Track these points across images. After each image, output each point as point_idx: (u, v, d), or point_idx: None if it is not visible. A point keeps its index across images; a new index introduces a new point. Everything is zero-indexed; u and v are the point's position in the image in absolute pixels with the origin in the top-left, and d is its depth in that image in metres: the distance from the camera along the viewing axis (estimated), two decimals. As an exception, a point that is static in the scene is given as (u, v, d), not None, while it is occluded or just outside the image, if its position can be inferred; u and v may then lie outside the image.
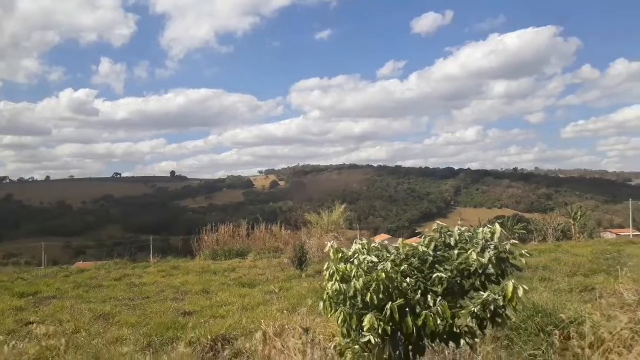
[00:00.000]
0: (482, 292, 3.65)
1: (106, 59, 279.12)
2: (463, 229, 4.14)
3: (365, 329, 3.67)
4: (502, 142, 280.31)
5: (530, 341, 5.18)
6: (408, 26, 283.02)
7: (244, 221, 22.65)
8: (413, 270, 3.93)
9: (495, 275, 3.78)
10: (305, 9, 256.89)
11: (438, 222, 4.18)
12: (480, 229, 4.04)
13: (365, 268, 3.91)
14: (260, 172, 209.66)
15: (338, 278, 3.96)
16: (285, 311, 8.10)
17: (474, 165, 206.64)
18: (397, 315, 3.60)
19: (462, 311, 3.64)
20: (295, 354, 5.02)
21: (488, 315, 3.61)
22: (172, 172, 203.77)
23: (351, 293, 3.84)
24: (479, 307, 3.56)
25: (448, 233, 4.11)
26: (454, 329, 3.72)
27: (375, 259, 3.99)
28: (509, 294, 3.56)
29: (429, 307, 3.68)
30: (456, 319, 3.69)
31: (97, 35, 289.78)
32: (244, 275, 13.77)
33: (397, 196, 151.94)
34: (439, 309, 3.60)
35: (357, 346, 3.95)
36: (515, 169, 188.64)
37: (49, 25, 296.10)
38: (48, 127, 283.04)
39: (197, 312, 9.14)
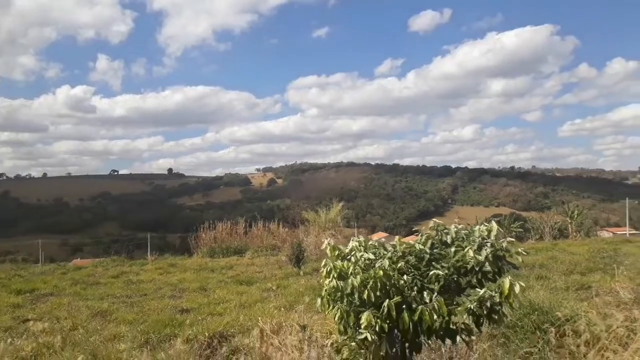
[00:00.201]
0: (478, 289, 3.67)
1: (103, 56, 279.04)
2: (460, 226, 4.16)
3: (362, 326, 3.69)
4: (500, 140, 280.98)
5: (526, 339, 5.21)
6: (406, 24, 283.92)
7: (241, 219, 22.65)
8: (410, 268, 3.95)
9: (492, 273, 3.80)
10: (303, 6, 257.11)
11: (435, 220, 4.20)
12: (477, 227, 4.06)
13: (363, 265, 3.93)
14: (258, 169, 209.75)
15: (335, 275, 3.97)
16: (282, 309, 8.12)
17: (471, 164, 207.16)
18: (394, 313, 3.61)
19: (459, 308, 3.66)
20: (292, 352, 5.03)
21: (484, 312, 3.63)
22: (170, 170, 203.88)
23: (348, 290, 3.85)
24: (475, 303, 3.58)
25: (445, 231, 4.13)
26: (451, 326, 3.74)
27: (372, 257, 4.00)
28: (506, 291, 3.58)
29: (426, 303, 3.70)
30: (452, 316, 3.71)
31: (95, 32, 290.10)
32: (242, 272, 13.78)
33: (394, 194, 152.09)
34: (435, 304, 3.62)
35: (354, 343, 3.96)
36: (512, 167, 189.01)
37: (46, 21, 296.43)
38: (45, 124, 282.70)
39: (194, 309, 9.15)
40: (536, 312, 5.52)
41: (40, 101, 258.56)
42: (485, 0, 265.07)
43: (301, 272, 12.95)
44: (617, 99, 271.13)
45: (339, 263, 4.05)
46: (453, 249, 3.95)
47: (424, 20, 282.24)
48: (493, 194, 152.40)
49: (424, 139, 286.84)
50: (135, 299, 10.63)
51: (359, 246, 4.17)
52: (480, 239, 3.92)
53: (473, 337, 4.13)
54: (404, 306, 3.72)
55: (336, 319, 3.94)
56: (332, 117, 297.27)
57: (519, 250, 3.98)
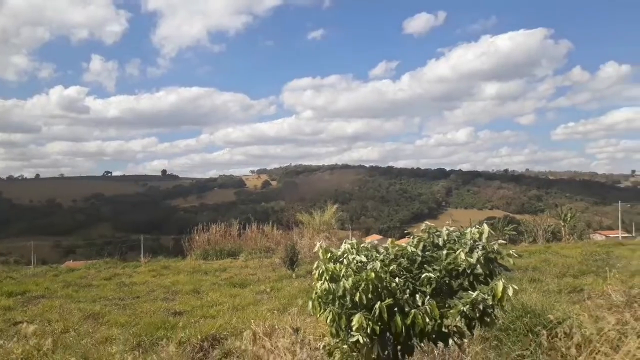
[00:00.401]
0: (471, 292, 3.67)
1: (97, 57, 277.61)
2: (451, 229, 4.16)
3: (354, 328, 3.68)
4: (493, 143, 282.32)
5: (519, 341, 5.21)
6: (401, 27, 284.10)
7: (235, 221, 22.60)
8: (402, 271, 3.95)
9: (483, 276, 3.80)
10: (298, 8, 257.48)
11: (427, 222, 4.20)
12: (469, 229, 4.06)
13: (355, 268, 3.92)
14: (252, 171, 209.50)
15: (327, 278, 3.97)
16: (275, 311, 8.11)
17: (465, 167, 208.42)
18: (385, 315, 3.61)
19: (451, 311, 3.66)
20: (284, 354, 5.01)
21: (477, 315, 3.63)
22: (164, 171, 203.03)
23: (340, 293, 3.85)
24: (468, 306, 3.58)
25: (436, 233, 4.13)
26: (443, 329, 3.74)
27: (364, 259, 4.00)
28: (499, 294, 3.58)
29: (418, 306, 3.70)
30: (445, 318, 3.71)
31: (88, 32, 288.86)
32: (235, 275, 13.74)
33: (389, 197, 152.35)
34: (428, 308, 3.62)
35: (345, 346, 3.96)
36: (506, 170, 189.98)
37: (40, 21, 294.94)
38: (38, 125, 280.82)
39: (187, 312, 9.11)
40: (529, 315, 5.53)
41: (33, 101, 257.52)
42: (479, 3, 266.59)
43: (294, 275, 12.93)
44: (610, 102, 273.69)
45: (331, 265, 4.04)
46: (445, 252, 3.95)
47: (419, 23, 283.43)
48: (487, 197, 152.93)
49: (418, 142, 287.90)
50: (127, 301, 10.57)
51: (351, 249, 4.17)
52: (471, 241, 3.92)
53: (465, 340, 4.13)
54: (395, 309, 3.72)
55: (328, 321, 3.93)
56: (327, 119, 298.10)
57: (511, 252, 3.98)
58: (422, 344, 4.02)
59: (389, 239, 4.21)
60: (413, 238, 4.21)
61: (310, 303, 4.09)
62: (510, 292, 3.62)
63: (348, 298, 3.83)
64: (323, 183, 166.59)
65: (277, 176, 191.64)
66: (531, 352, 4.94)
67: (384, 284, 3.76)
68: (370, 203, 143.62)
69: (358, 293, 3.72)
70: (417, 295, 3.77)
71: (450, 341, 3.87)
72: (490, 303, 3.62)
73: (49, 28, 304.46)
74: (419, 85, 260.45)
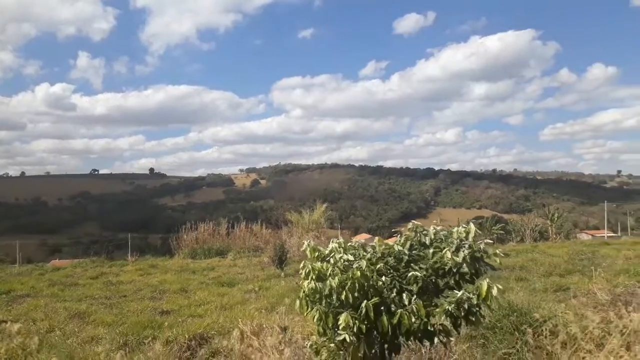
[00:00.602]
0: (456, 291, 3.69)
1: (84, 54, 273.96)
2: (438, 228, 4.18)
3: (340, 327, 3.68)
4: (482, 143, 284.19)
5: (505, 340, 5.25)
6: (390, 27, 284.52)
7: (224, 220, 22.55)
8: (389, 269, 3.96)
9: (469, 274, 3.82)
10: (289, 7, 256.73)
11: (414, 221, 4.21)
12: (455, 228, 4.08)
13: (342, 267, 3.92)
14: (241, 170, 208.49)
15: (314, 277, 3.97)
16: (264, 310, 8.10)
17: (454, 166, 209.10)
18: (372, 314, 3.62)
19: (437, 310, 3.67)
20: (272, 353, 5.01)
21: (462, 313, 3.65)
22: (151, 170, 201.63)
23: (327, 292, 3.85)
24: (453, 305, 3.60)
25: (423, 232, 4.15)
26: (429, 328, 3.75)
27: (351, 258, 4.01)
28: (484, 293, 3.61)
29: (404, 305, 3.71)
30: (431, 317, 3.73)
31: (76, 29, 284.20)
32: (224, 274, 13.71)
33: (378, 196, 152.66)
34: (414, 307, 3.63)
35: (332, 345, 3.96)
36: (494, 170, 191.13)
37: (26, 17, 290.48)
38: (23, 122, 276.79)
39: (175, 311, 9.07)
40: (515, 314, 5.57)
41: (19, 98, 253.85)
42: (469, 4, 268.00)
43: (283, 274, 12.92)
44: (597, 103, 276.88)
45: (318, 264, 4.04)
46: (431, 251, 3.97)
47: (409, 23, 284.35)
48: (475, 197, 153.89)
49: (408, 141, 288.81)
50: (114, 300, 10.50)
51: (339, 247, 4.17)
52: (458, 240, 3.94)
53: (451, 339, 4.15)
54: (382, 308, 3.73)
55: (315, 320, 3.93)
56: (316, 118, 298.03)
57: (497, 251, 4.01)
58: (408, 343, 4.03)
59: (376, 238, 4.22)
60: (400, 237, 4.22)
61: (297, 302, 4.09)
62: (494, 291, 3.64)
63: (335, 297, 3.83)
64: (312, 182, 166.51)
65: (266, 175, 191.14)
66: (517, 350, 4.98)
67: (371, 282, 3.77)
68: (360, 202, 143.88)
69: (344, 292, 3.72)
70: (404, 294, 3.79)
71: (436, 339, 3.89)
72: (476, 302, 3.64)
73: (35, 24, 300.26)
74: (408, 85, 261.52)
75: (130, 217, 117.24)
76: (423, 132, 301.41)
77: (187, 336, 6.65)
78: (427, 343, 3.97)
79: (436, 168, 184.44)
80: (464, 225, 4.06)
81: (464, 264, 3.77)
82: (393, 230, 4.90)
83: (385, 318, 3.63)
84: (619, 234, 38.64)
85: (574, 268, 11.66)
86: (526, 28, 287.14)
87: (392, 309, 3.71)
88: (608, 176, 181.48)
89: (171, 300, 10.11)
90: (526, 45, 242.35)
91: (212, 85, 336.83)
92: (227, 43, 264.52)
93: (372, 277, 3.79)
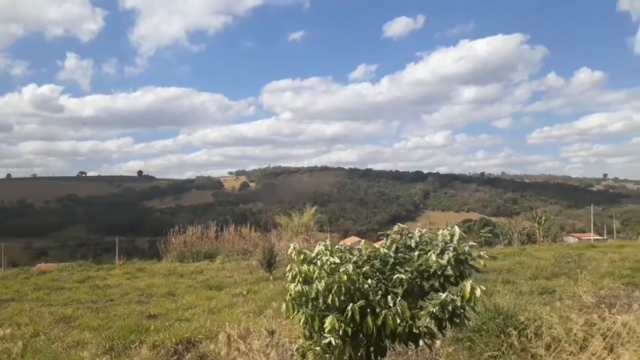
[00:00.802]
0: (441, 293, 3.72)
1: (73, 55, 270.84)
2: (424, 231, 4.21)
3: (326, 330, 3.70)
4: (470, 147, 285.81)
5: (491, 342, 5.29)
6: (380, 30, 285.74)
7: (213, 223, 22.45)
8: (375, 272, 3.98)
9: (454, 277, 3.86)
10: (279, 9, 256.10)
11: (399, 224, 4.24)
12: (440, 231, 4.12)
13: (328, 270, 3.94)
14: (230, 173, 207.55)
15: (300, 280, 3.98)
16: (251, 314, 8.08)
17: (443, 170, 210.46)
18: (358, 317, 3.64)
19: (422, 312, 3.70)
20: (258, 356, 5.00)
21: (447, 315, 3.68)
22: (140, 172, 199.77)
23: (313, 295, 3.86)
24: (437, 307, 3.63)
25: (409, 235, 4.18)
26: (414, 330, 3.78)
27: (338, 261, 4.03)
28: (467, 295, 3.64)
29: (390, 307, 3.73)
30: (416, 319, 3.75)
31: (64, 29, 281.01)
32: (212, 277, 13.65)
33: (367, 199, 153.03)
34: (399, 309, 3.65)
35: (318, 348, 3.97)
36: (482, 173, 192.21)
37: (13, 17, 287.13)
38: (9, 123, 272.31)
39: (162, 315, 9.00)
40: (501, 316, 5.62)
41: (5, 99, 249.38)
42: (458, 7, 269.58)
43: (271, 277, 12.89)
44: (583, 107, 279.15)
45: (304, 267, 4.05)
46: (417, 253, 4.00)
47: (398, 27, 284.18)
48: (463, 200, 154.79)
49: (397, 144, 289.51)
50: (100, 304, 10.39)
51: (325, 250, 4.19)
52: (443, 243, 3.98)
53: (437, 341, 4.18)
54: (368, 310, 3.75)
55: (301, 323, 3.94)
56: (306, 121, 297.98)
57: (481, 254, 4.05)
58: (394, 345, 4.06)
59: (362, 241, 4.24)
60: (386, 240, 4.25)
61: (283, 305, 4.10)
62: (478, 292, 3.68)
63: (321, 300, 3.85)
64: (302, 185, 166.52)
65: (256, 178, 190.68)
66: (503, 353, 5.03)
67: (357, 285, 3.79)
68: (349, 205, 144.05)
69: (331, 295, 3.74)
70: (390, 297, 3.81)
71: (421, 342, 3.92)
72: (459, 304, 3.67)
73: (22, 24, 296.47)
74: (398, 88, 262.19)
75: (118, 220, 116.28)
76: (412, 135, 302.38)
77: (173, 340, 6.63)
78: (412, 345, 4.00)
79: (425, 171, 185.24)
80: (449, 228, 4.10)
81: (449, 267, 3.80)
82: (379, 233, 4.91)
83: (370, 319, 3.65)
84: (605, 236, 39.15)
85: (560, 271, 11.78)
86: (514, 32, 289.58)
87: (378, 311, 3.73)
88: (594, 179, 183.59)
89: (158, 304, 10.04)
90: (514, 49, 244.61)
91: (202, 87, 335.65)
92: (217, 45, 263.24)
93: (359, 280, 3.81)
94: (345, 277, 3.72)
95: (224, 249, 19.90)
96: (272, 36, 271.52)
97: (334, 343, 3.72)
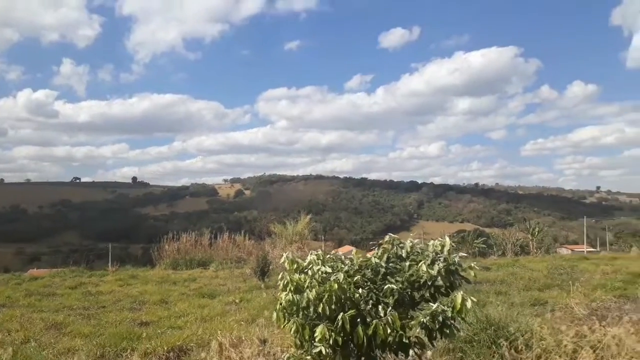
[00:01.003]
0: (431, 304, 3.74)
1: (68, 60, 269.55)
2: (415, 241, 4.24)
3: (317, 339, 3.71)
4: (465, 157, 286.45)
5: (482, 353, 5.31)
6: (376, 41, 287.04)
7: (207, 230, 22.39)
8: (366, 282, 4.01)
9: (444, 287, 3.89)
10: (275, 18, 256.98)
11: (390, 234, 4.27)
12: (431, 241, 4.15)
13: (320, 279, 3.96)
14: (225, 180, 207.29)
15: (292, 289, 4.00)
16: (243, 322, 8.07)
17: (437, 180, 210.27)
18: (348, 326, 3.65)
19: (412, 322, 3.72)
20: (250, 365, 5.00)
21: (437, 326, 3.70)
22: (134, 178, 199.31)
23: (304, 304, 3.88)
24: (428, 318, 3.65)
25: (400, 245, 4.20)
26: (404, 340, 3.80)
27: (329, 270, 4.04)
28: (458, 306, 3.67)
29: (380, 317, 3.75)
30: (407, 329, 3.77)
31: (59, 35, 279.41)
32: (205, 285, 13.60)
33: (362, 208, 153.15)
34: (390, 318, 3.67)
35: (309, 357, 3.98)
36: (476, 184, 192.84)
37: (8, 22, 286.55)
38: (4, 128, 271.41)
39: (154, 322, 8.97)
40: (492, 327, 5.64)
41: (0, 104, 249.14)
42: (453, 20, 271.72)
43: (264, 286, 12.87)
44: (576, 120, 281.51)
45: (295, 276, 4.07)
46: (407, 263, 4.03)
47: (394, 38, 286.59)
48: (457, 210, 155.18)
49: (392, 154, 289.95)
50: (92, 311, 10.34)
51: (317, 259, 4.21)
52: (433, 253, 4.01)
53: (428, 351, 4.20)
54: (358, 320, 3.77)
55: (292, 332, 3.95)
56: (302, 129, 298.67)
57: (472, 265, 4.08)
58: (385, 355, 4.07)
59: (354, 250, 4.27)
60: (378, 249, 4.28)
61: (274, 314, 4.11)
62: (469, 303, 3.71)
63: (312, 309, 3.86)
64: (297, 193, 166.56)
65: (251, 185, 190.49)
66: (493, 364, 5.04)
67: (348, 294, 3.81)
68: (344, 214, 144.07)
69: (321, 304, 3.76)
70: (380, 307, 3.83)
71: (412, 352, 3.93)
72: (450, 314, 3.70)
73: (18, 29, 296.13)
74: (393, 98, 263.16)
75: (111, 226, 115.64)
76: (407, 146, 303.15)
77: (165, 348, 6.61)
78: (402, 355, 4.01)
79: (419, 181, 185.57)
80: (440, 239, 4.14)
81: (439, 277, 3.83)
82: (371, 243, 4.94)
83: (360, 329, 3.66)
84: (598, 248, 39.31)
85: (553, 282, 11.84)
86: (509, 45, 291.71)
87: (368, 320, 3.75)
88: (587, 192, 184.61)
89: (151, 312, 10.00)
90: (509, 61, 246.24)
91: (198, 95, 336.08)
92: (213, 52, 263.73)
93: (350, 289, 3.83)
94: (336, 286, 3.74)
95: (217, 257, 19.83)
96: (269, 45, 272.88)
97: (324, 352, 3.73)
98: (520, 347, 4.97)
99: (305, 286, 3.97)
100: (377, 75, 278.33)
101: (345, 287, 3.82)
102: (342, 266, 4.12)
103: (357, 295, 3.86)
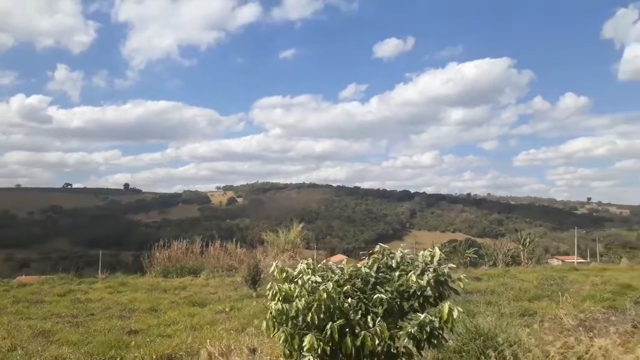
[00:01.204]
0: (420, 314, 3.76)
1: (63, 66, 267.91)
2: (406, 251, 4.26)
3: (305, 349, 3.71)
4: (457, 167, 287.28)
5: (471, 363, 5.32)
6: (371, 50, 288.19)
7: (198, 238, 22.31)
8: (356, 291, 4.02)
9: (433, 298, 3.90)
10: (271, 27, 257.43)
11: (380, 244, 4.29)
12: (421, 252, 4.17)
13: (309, 288, 3.96)
14: (218, 188, 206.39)
15: (281, 298, 4.00)
16: (233, 331, 8.04)
17: (430, 189, 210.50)
18: (337, 336, 3.66)
19: (401, 332, 3.73)
20: (239, 374, 4.98)
21: (425, 336, 3.72)
22: (126, 185, 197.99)
23: (293, 313, 3.88)
24: (416, 328, 3.66)
25: (390, 255, 4.22)
26: (392, 350, 3.80)
27: (319, 279, 4.05)
28: (445, 316, 3.69)
29: (369, 327, 3.76)
30: (395, 339, 3.78)
31: (55, 40, 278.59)
32: (195, 293, 13.54)
33: (354, 217, 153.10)
34: (378, 329, 3.69)
35: (298, 366, 3.97)
36: (468, 194, 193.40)
37: (3, 27, 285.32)
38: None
39: (143, 330, 8.91)
40: (481, 338, 5.66)
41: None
42: (447, 31, 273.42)
43: (255, 294, 12.83)
44: (568, 131, 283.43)
45: (285, 286, 4.08)
46: (397, 273, 4.05)
47: (388, 48, 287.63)
48: (450, 220, 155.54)
49: (385, 163, 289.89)
50: (81, 318, 10.25)
51: (307, 269, 4.22)
52: (423, 264, 4.03)
53: (416, 361, 4.20)
54: (347, 329, 3.77)
55: (281, 341, 3.95)
56: (296, 137, 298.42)
57: (461, 276, 4.11)
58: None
59: (345, 259, 4.28)
60: (368, 259, 4.29)
61: (264, 323, 4.11)
62: (455, 314, 3.73)
63: (300, 318, 3.87)
64: (290, 201, 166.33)
65: (244, 193, 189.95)
66: (482, 374, 5.06)
67: (337, 304, 3.82)
68: (336, 223, 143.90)
69: (310, 313, 3.76)
70: (369, 317, 3.84)
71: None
72: (437, 325, 3.72)
73: (12, 34, 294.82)
74: (387, 108, 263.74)
75: (102, 233, 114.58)
76: (400, 155, 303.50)
77: (154, 357, 6.58)
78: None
79: (412, 190, 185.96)
80: (430, 250, 4.16)
81: (428, 287, 3.85)
82: (361, 252, 4.96)
83: (349, 339, 3.67)
84: (588, 260, 39.52)
85: (543, 293, 11.89)
86: (502, 56, 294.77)
87: (357, 330, 3.76)
88: (579, 203, 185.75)
89: (140, 320, 9.93)
90: (502, 72, 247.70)
91: (192, 102, 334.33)
92: (208, 60, 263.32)
93: (339, 298, 3.84)
94: (325, 296, 3.75)
95: (208, 265, 19.75)
96: (264, 53, 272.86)
97: (312, 362, 3.73)
98: (508, 358, 5.00)
99: (295, 295, 3.97)
100: (372, 85, 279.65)
101: (335, 296, 3.83)
102: (333, 275, 4.13)
103: (347, 304, 3.87)
